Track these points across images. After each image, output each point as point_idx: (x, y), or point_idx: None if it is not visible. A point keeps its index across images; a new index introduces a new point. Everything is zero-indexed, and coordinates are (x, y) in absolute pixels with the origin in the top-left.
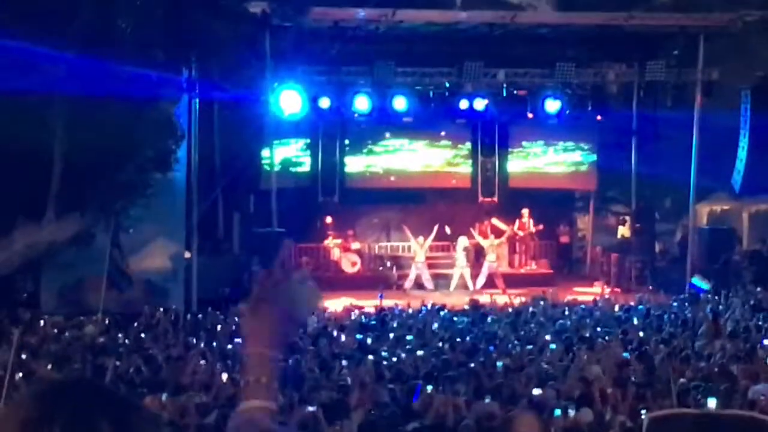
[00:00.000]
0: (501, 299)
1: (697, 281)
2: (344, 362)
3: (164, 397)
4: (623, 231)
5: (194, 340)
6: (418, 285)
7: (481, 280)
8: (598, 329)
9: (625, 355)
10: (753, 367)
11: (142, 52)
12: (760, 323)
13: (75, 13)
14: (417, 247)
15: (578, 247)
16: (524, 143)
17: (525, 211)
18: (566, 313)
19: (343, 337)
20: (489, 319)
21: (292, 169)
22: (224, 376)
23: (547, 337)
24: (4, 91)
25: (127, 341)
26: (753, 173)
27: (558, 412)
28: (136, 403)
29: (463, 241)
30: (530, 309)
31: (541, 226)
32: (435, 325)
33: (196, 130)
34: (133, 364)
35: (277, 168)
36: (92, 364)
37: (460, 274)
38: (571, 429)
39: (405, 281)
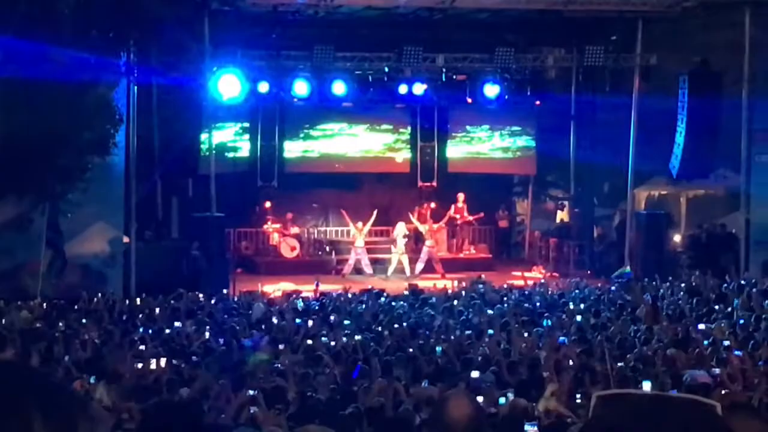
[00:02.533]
0: (440, 284)
1: (619, 272)
2: (281, 347)
3: (92, 380)
4: (562, 216)
5: (132, 326)
6: (357, 270)
7: (420, 265)
8: (537, 313)
9: (563, 339)
10: (689, 352)
11: (81, 35)
12: (696, 308)
13: None
14: (356, 232)
15: (517, 231)
16: (463, 128)
17: (460, 196)
18: (504, 297)
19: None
20: (428, 304)
21: (231, 154)
22: (162, 361)
23: (486, 322)
24: None
25: (64, 326)
26: (691, 158)
27: (502, 400)
28: (65, 387)
29: (401, 227)
30: (469, 293)
31: (481, 214)
32: (373, 310)
33: (134, 114)
34: (69, 349)
35: (215, 152)
36: (26, 350)
37: (398, 260)
38: (507, 414)
39: (344, 266)
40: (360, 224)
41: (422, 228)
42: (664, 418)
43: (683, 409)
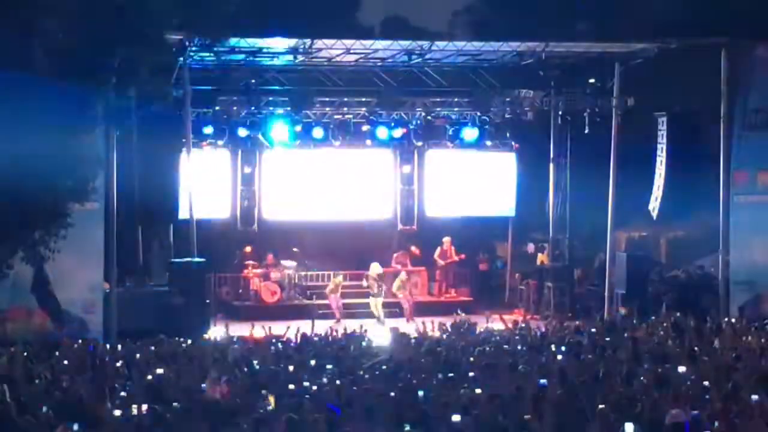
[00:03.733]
0: (427, 326)
1: None
2: (263, 392)
3: (75, 426)
4: (542, 258)
5: (113, 371)
6: (333, 315)
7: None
8: (517, 355)
9: (543, 381)
10: (670, 393)
11: (60, 80)
12: (677, 349)
13: None
14: (338, 279)
15: (497, 274)
16: (442, 171)
17: (446, 239)
18: (485, 340)
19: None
20: (410, 346)
21: (212, 199)
22: (144, 407)
23: (468, 364)
24: None
25: (44, 373)
26: (670, 200)
27: None
28: None
29: (375, 269)
30: (450, 336)
31: (463, 255)
32: (354, 354)
33: (114, 159)
34: (49, 396)
35: (195, 198)
36: (4, 396)
37: (374, 304)
38: None
39: (325, 310)
40: (339, 276)
41: (400, 274)
42: None
43: None
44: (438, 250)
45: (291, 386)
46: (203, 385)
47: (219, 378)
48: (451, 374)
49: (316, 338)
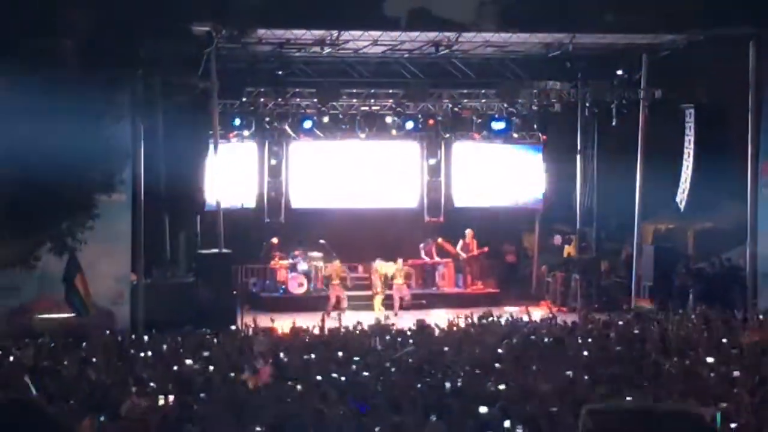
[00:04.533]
0: (450, 319)
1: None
2: (289, 383)
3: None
4: (569, 250)
5: (140, 363)
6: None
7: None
8: (544, 348)
9: (569, 373)
10: (697, 385)
11: (86, 73)
12: (705, 341)
13: (18, 37)
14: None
15: (524, 266)
16: (469, 163)
17: (468, 232)
18: (513, 331)
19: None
20: (435, 340)
21: (239, 190)
22: (171, 398)
23: (494, 357)
24: None
25: (71, 364)
26: (697, 191)
27: None
28: (70, 426)
29: (382, 267)
30: (477, 328)
31: (485, 249)
32: (380, 346)
33: (141, 151)
34: (77, 387)
35: (222, 189)
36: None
37: (377, 302)
38: None
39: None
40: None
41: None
42: (654, 428)
43: (672, 418)
44: (460, 243)
45: (318, 377)
46: (243, 376)
47: (261, 362)
48: (477, 368)
49: (343, 330)
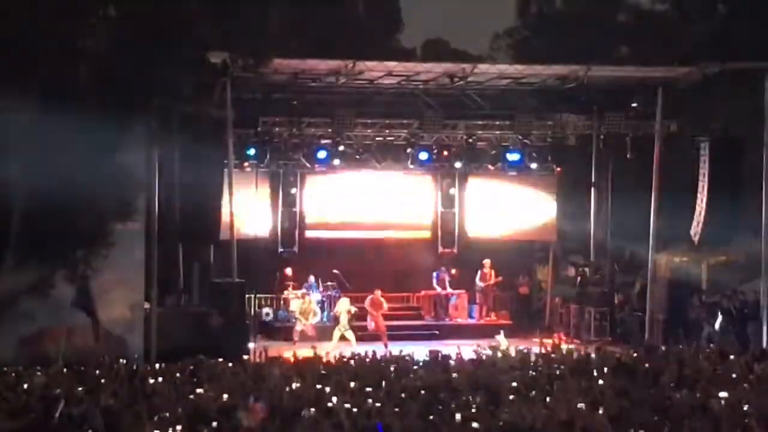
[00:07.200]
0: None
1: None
2: (303, 413)
3: None
4: (583, 282)
5: (152, 391)
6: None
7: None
8: (557, 379)
9: (581, 405)
10: (711, 417)
11: (103, 101)
12: (718, 375)
13: (35, 65)
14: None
15: (538, 297)
16: (484, 194)
17: (486, 262)
18: (524, 363)
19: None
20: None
21: (253, 220)
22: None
23: (507, 388)
24: None
25: (84, 392)
26: (712, 224)
27: None
28: None
29: (344, 303)
30: (489, 359)
31: (501, 278)
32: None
33: (156, 180)
34: (89, 415)
35: (237, 218)
36: (45, 415)
37: (340, 336)
38: None
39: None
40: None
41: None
42: None
43: None
44: (479, 273)
45: (330, 405)
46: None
47: (253, 402)
48: (489, 400)
49: (355, 359)
